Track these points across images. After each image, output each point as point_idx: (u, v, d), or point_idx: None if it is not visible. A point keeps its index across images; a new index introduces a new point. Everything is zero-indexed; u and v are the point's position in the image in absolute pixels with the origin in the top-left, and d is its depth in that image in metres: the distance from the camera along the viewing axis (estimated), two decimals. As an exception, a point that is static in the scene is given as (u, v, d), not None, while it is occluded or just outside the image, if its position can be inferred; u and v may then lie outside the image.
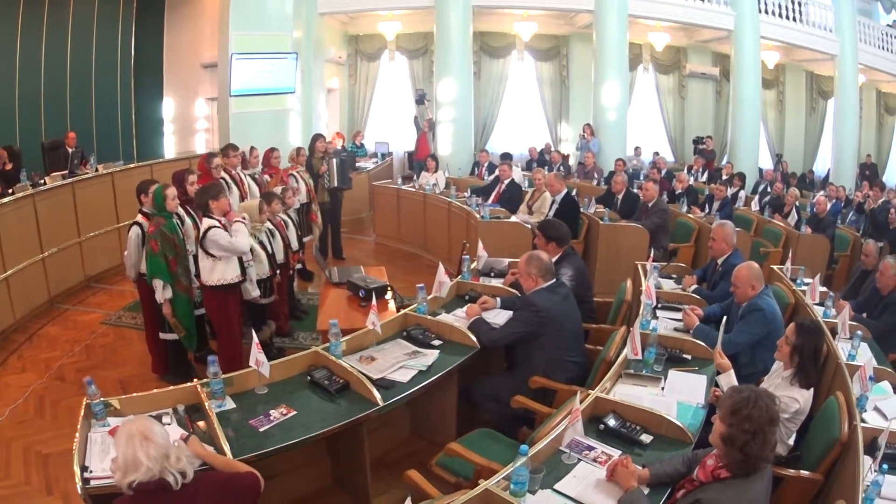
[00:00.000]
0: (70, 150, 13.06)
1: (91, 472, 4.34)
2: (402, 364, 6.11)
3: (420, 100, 21.47)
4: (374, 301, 6.70)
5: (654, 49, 22.95)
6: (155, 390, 5.39)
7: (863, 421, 5.21)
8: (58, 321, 10.19)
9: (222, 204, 7.52)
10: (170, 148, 18.60)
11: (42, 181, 10.87)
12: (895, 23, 24.12)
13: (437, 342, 6.61)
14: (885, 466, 4.36)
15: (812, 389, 5.40)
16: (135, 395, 5.30)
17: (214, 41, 17.11)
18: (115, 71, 16.58)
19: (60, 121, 14.80)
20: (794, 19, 21.21)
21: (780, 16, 21.04)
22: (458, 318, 7.14)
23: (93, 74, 15.88)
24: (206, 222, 7.46)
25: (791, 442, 5.44)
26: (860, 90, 22.51)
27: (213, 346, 8.57)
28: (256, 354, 5.50)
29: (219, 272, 7.53)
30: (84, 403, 4.88)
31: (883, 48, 22.68)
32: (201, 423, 5.03)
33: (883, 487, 4.28)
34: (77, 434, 4.61)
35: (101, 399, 4.90)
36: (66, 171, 11.72)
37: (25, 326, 9.89)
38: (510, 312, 7.06)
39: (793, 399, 5.27)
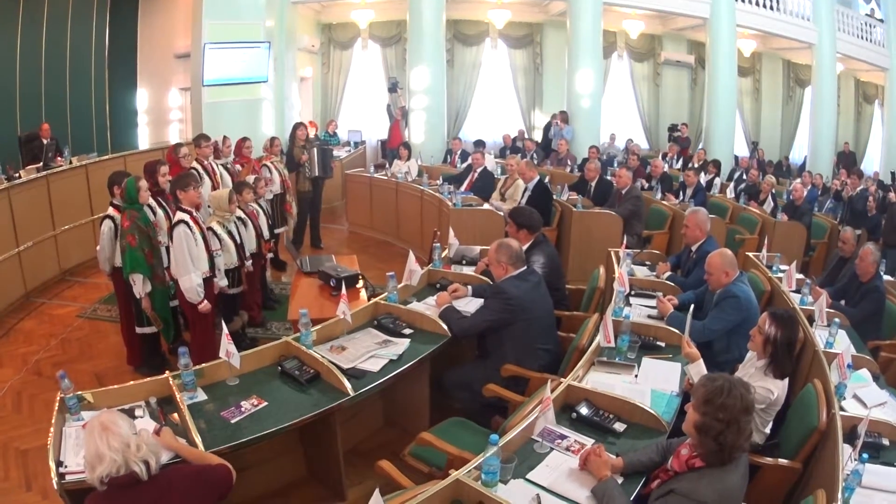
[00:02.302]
0: (45, 142, 12.88)
1: (66, 466, 4.31)
2: (372, 353, 6.07)
3: (393, 88, 21.55)
4: (343, 290, 6.66)
5: (628, 37, 23.05)
6: (130, 383, 5.37)
7: (842, 409, 5.18)
8: (34, 315, 10.12)
9: (191, 196, 7.45)
10: (143, 139, 18.48)
11: (17, 174, 10.79)
12: (873, 11, 24.09)
13: (407, 331, 6.58)
14: (865, 456, 4.28)
15: (787, 379, 5.36)
16: (107, 388, 5.27)
17: (188, 31, 17.13)
18: (89, 62, 16.46)
19: (35, 113, 14.69)
20: (772, 7, 21.23)
21: (757, 4, 21.06)
22: (429, 307, 7.11)
23: (67, 66, 15.77)
24: (177, 215, 7.40)
25: (767, 430, 5.41)
26: (838, 79, 22.56)
27: (188, 337, 8.51)
28: (226, 345, 5.46)
29: None
30: (58, 398, 4.84)
31: (862, 37, 22.66)
32: (174, 416, 4.99)
33: (864, 476, 4.24)
34: (52, 429, 4.58)
35: (75, 393, 4.86)
36: (41, 164, 11.66)
37: (2, 321, 9.80)
38: (482, 300, 7.04)
39: (767, 391, 5.22)
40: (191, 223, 7.29)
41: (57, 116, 15.16)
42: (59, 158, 12.27)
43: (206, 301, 7.41)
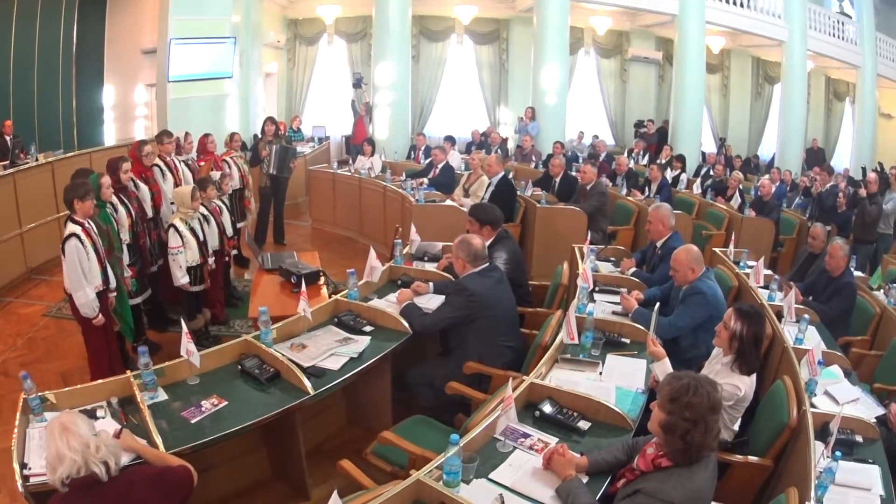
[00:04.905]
0: (8, 139, 12.93)
1: (31, 468, 4.29)
2: (333, 351, 6.05)
3: (357, 83, 21.64)
4: (304, 287, 6.61)
5: (595, 33, 23.19)
6: (92, 383, 5.36)
7: (813, 406, 5.18)
8: (0, 315, 10.02)
9: (86, 206, 7.11)
10: (110, 135, 18.33)
11: (-16, 173, 10.68)
12: (842, 7, 24.28)
13: (368, 328, 6.55)
14: (838, 453, 4.28)
15: (754, 375, 5.31)
16: (69, 388, 5.21)
17: (155, 26, 16.96)
18: (56, 58, 16.35)
19: (2, 110, 14.54)
20: (742, 5, 21.30)
21: (728, 1, 21.14)
22: (390, 304, 7.10)
23: (35, 62, 15.69)
24: (69, 227, 7.06)
25: (736, 427, 5.39)
26: (809, 76, 22.69)
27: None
28: (186, 344, 5.41)
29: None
30: (21, 399, 4.82)
31: (833, 35, 22.82)
32: (136, 417, 4.93)
33: (837, 474, 4.21)
34: (15, 430, 4.58)
35: (37, 394, 4.81)
36: (7, 161, 11.64)
37: (-30, 321, 9.73)
38: (443, 297, 7.02)
39: (734, 387, 5.16)
40: (82, 236, 7.01)
41: (24, 113, 15.13)
42: (24, 156, 12.24)
43: (100, 315, 7.18)
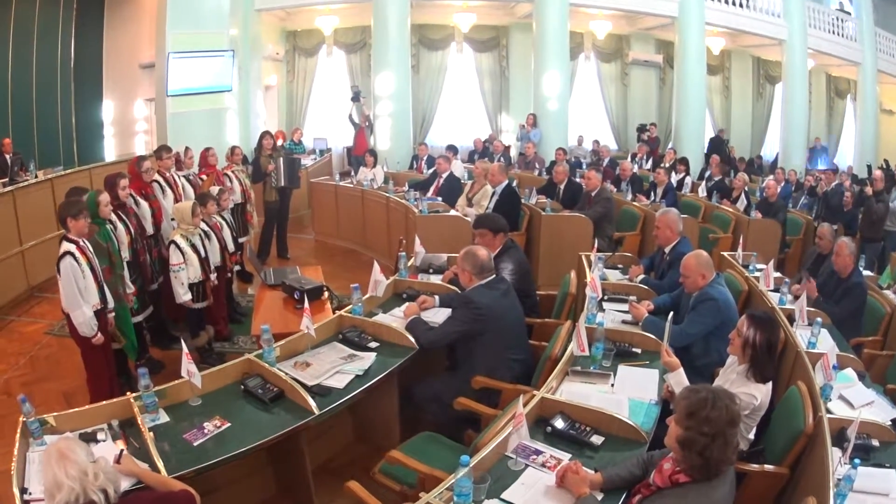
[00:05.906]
0: (8, 157, 12.90)
1: (31, 493, 4.20)
2: (337, 369, 5.95)
3: (356, 97, 21.31)
4: (307, 303, 6.47)
5: (595, 37, 23.06)
6: (99, 404, 5.23)
7: (828, 411, 5.08)
8: (3, 333, 9.96)
9: (80, 224, 7.02)
10: (110, 151, 18.44)
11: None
12: (841, 4, 24.25)
13: (373, 344, 6.46)
14: (856, 461, 4.15)
15: (770, 383, 5.21)
16: (69, 411, 5.10)
17: (152, 41, 17.00)
18: (55, 74, 16.40)
19: (1, 127, 14.60)
20: (741, 5, 21.26)
21: (727, 2, 21.08)
22: (395, 319, 7.01)
23: (33, 79, 15.74)
24: (63, 246, 7.01)
25: (751, 436, 5.27)
26: (809, 74, 22.66)
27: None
28: (187, 365, 5.32)
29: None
30: (20, 422, 4.69)
31: (833, 32, 22.80)
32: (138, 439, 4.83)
33: (856, 480, 4.10)
34: (14, 454, 4.47)
35: (37, 417, 4.73)
36: (7, 179, 11.64)
37: (-28, 341, 9.64)
38: (449, 310, 6.92)
39: (751, 396, 5.05)
40: (77, 254, 6.96)
41: (24, 130, 15.16)
42: (24, 173, 12.24)
43: (99, 334, 7.14)
